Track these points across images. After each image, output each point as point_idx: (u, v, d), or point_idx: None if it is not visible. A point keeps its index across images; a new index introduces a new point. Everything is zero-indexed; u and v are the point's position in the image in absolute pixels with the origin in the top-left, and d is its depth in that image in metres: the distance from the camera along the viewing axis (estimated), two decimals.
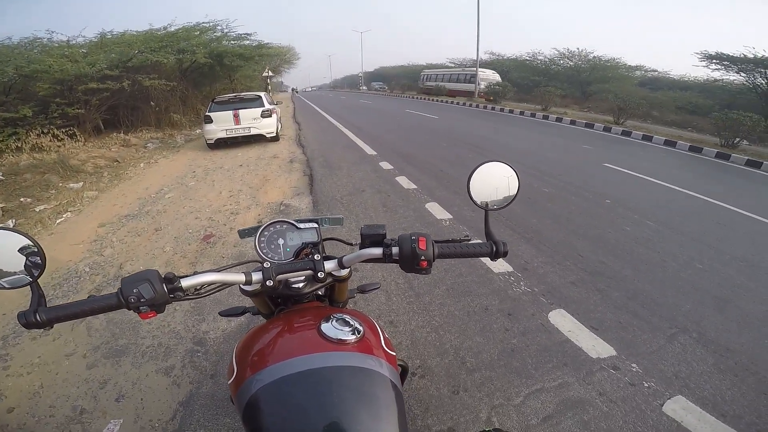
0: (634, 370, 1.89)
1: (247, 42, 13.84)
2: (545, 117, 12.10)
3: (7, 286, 0.64)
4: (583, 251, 3.17)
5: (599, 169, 6.31)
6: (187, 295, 0.69)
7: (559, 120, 11.50)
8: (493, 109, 15.52)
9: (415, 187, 4.84)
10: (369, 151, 7.17)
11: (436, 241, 0.74)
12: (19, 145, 6.56)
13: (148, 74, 9.31)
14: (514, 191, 0.83)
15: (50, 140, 6.95)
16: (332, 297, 0.99)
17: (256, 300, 0.90)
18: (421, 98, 24.33)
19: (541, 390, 1.75)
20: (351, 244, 0.92)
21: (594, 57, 22.87)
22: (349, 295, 1.03)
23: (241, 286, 0.78)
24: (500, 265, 2.85)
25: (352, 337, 0.68)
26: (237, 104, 8.01)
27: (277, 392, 0.59)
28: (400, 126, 11.10)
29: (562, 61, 24.25)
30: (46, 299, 0.66)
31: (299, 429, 0.55)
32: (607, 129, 10.54)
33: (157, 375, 1.97)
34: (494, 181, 0.81)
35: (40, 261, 0.65)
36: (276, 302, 0.96)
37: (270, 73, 16.73)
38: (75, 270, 3.07)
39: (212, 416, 1.70)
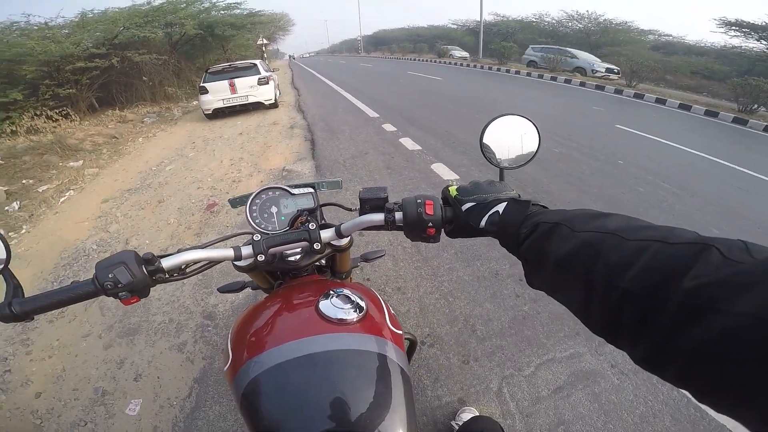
0: None
1: (238, 11, 13.53)
2: (553, 78, 11.51)
3: None
4: None
5: (611, 130, 6.02)
6: (172, 275, 0.62)
7: (567, 81, 10.95)
8: (498, 70, 14.83)
9: (420, 148, 4.68)
10: (371, 113, 6.94)
11: (446, 205, 0.61)
12: (14, 129, 6.50)
13: (137, 50, 9.09)
14: (533, 148, 0.70)
15: (45, 121, 6.83)
16: (334, 268, 0.92)
17: (253, 275, 0.84)
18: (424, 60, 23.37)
19: (553, 360, 1.69)
20: (351, 210, 0.83)
21: (605, 20, 22.10)
22: (352, 265, 0.95)
23: (232, 262, 0.70)
24: None
25: (353, 316, 0.62)
26: (232, 73, 7.83)
27: (276, 379, 0.55)
28: (402, 88, 10.68)
29: (570, 24, 23.41)
30: (23, 289, 0.60)
31: (299, 418, 0.50)
32: (618, 91, 9.98)
33: (171, 352, 1.97)
34: (511, 136, 0.70)
35: (4, 248, 0.58)
36: (275, 275, 0.90)
37: (265, 41, 16.25)
38: (83, 248, 3.02)
39: (226, 392, 1.69)
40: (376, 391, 0.53)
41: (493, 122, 0.69)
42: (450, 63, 19.63)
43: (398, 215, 0.62)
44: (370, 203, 0.67)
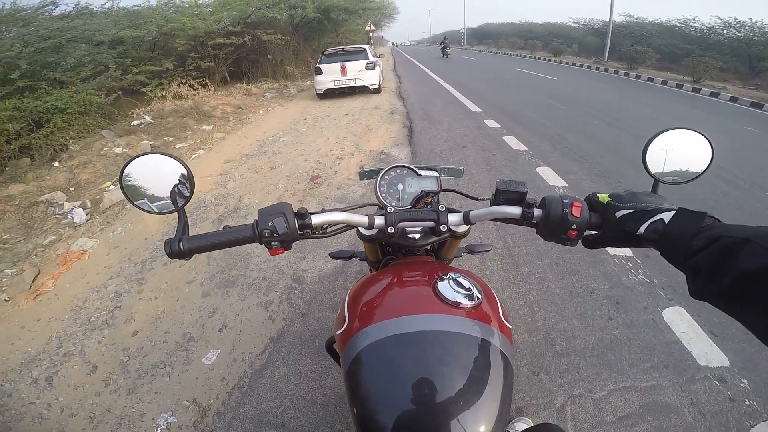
0: (742, 386, 1.52)
1: None
2: (696, 90, 9.60)
3: (156, 211, 0.64)
4: None
5: (765, 155, 4.83)
6: (315, 233, 0.65)
7: (714, 95, 9.02)
8: (626, 75, 13.13)
9: (525, 148, 4.36)
10: (473, 107, 6.74)
11: (592, 210, 0.58)
12: (164, 94, 7.64)
13: (265, 30, 9.96)
14: (701, 166, 0.64)
15: (187, 89, 7.94)
16: (439, 253, 0.91)
17: (367, 246, 0.87)
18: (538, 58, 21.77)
19: (629, 388, 1.53)
20: (476, 199, 0.81)
21: None
22: (456, 254, 0.95)
23: (360, 229, 0.74)
24: (618, 249, 2.41)
25: (469, 302, 0.60)
26: (344, 56, 8.28)
27: (385, 352, 0.55)
28: (510, 85, 10.12)
29: (725, 31, 19.42)
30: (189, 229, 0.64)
31: (404, 394, 0.51)
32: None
33: (257, 308, 2.10)
34: (678, 150, 0.65)
35: (188, 188, 0.63)
36: (385, 251, 0.92)
37: (372, 27, 16.71)
38: (203, 200, 3.48)
39: (296, 355, 1.76)
40: (480, 379, 0.52)
41: (663, 133, 0.65)
42: (565, 62, 18.07)
43: (537, 212, 0.61)
44: (506, 195, 0.65)
